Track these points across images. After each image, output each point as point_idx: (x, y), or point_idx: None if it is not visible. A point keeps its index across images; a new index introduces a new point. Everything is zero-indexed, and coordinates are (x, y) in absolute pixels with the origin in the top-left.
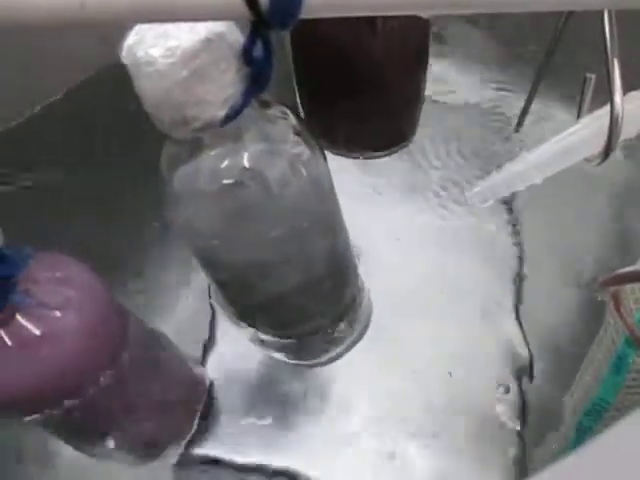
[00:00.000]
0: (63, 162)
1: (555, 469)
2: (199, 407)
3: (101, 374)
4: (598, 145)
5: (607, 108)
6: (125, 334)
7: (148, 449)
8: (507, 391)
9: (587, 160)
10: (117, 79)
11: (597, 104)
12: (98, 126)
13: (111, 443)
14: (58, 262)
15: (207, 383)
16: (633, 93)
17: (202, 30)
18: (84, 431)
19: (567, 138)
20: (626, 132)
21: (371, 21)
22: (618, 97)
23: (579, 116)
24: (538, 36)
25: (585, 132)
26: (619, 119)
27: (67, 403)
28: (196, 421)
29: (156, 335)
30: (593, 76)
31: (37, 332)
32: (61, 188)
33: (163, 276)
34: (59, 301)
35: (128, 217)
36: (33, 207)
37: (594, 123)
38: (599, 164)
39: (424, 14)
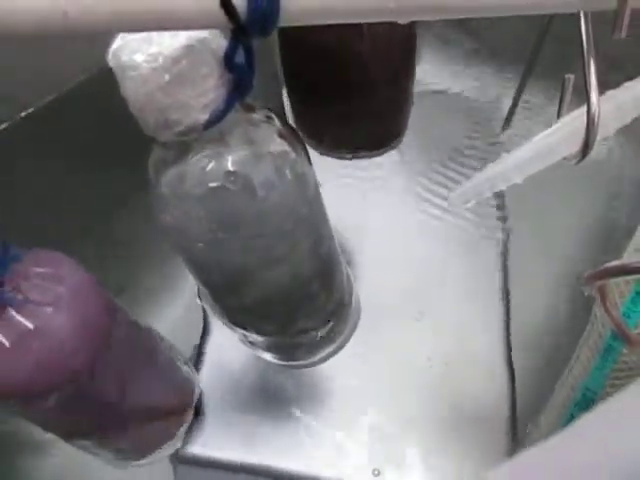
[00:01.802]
0: (59, 163)
1: (543, 446)
2: (186, 411)
3: (89, 368)
4: (577, 144)
5: (584, 108)
6: (113, 330)
7: (129, 448)
8: (497, 386)
9: (566, 159)
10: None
11: (581, 103)
12: (93, 127)
13: (93, 438)
14: (50, 258)
15: (196, 388)
16: (610, 92)
17: (184, 36)
18: (67, 424)
19: (546, 138)
20: (604, 131)
21: (357, 24)
22: (594, 97)
23: (559, 116)
24: (526, 36)
25: (564, 132)
26: (596, 118)
27: (54, 396)
28: (183, 426)
29: (147, 332)
30: (572, 76)
31: (27, 327)
32: (58, 188)
33: (158, 276)
34: (49, 298)
35: (123, 217)
36: (31, 206)
37: (572, 123)
38: (578, 163)
39: (401, 21)
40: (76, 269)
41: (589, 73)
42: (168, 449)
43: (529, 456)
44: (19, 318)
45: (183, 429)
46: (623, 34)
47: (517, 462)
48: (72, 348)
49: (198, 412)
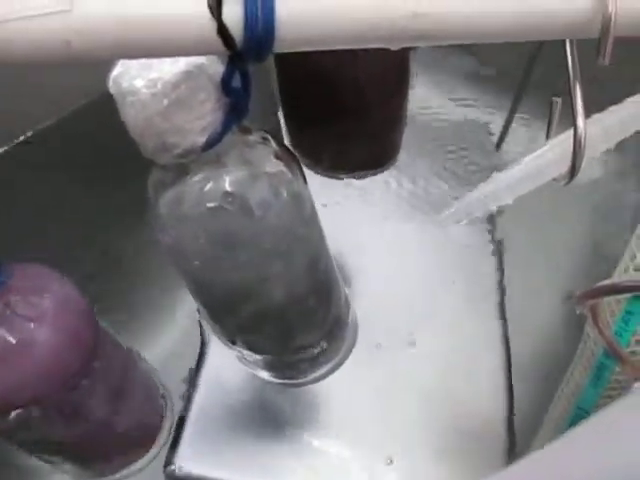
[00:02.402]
0: (58, 184)
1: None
2: (157, 432)
3: (71, 383)
4: (565, 165)
5: (572, 130)
6: (96, 346)
7: (99, 464)
8: (495, 405)
9: (555, 180)
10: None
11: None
12: (91, 151)
13: (65, 453)
14: (37, 273)
15: (169, 412)
16: (597, 115)
17: (183, 62)
18: (43, 438)
19: (536, 159)
20: (591, 153)
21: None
22: (581, 120)
23: (548, 137)
24: (519, 56)
25: (552, 154)
26: (582, 141)
27: (34, 410)
28: (153, 448)
29: (126, 351)
30: (559, 99)
31: (11, 341)
32: (56, 209)
33: (157, 293)
34: (35, 312)
35: (124, 238)
36: (28, 227)
37: (560, 145)
38: (567, 184)
39: (393, 47)
40: (63, 284)
41: (575, 98)
42: (135, 469)
43: (524, 465)
44: (4, 332)
45: (154, 450)
46: (606, 61)
47: (512, 470)
48: (55, 363)
49: (177, 437)
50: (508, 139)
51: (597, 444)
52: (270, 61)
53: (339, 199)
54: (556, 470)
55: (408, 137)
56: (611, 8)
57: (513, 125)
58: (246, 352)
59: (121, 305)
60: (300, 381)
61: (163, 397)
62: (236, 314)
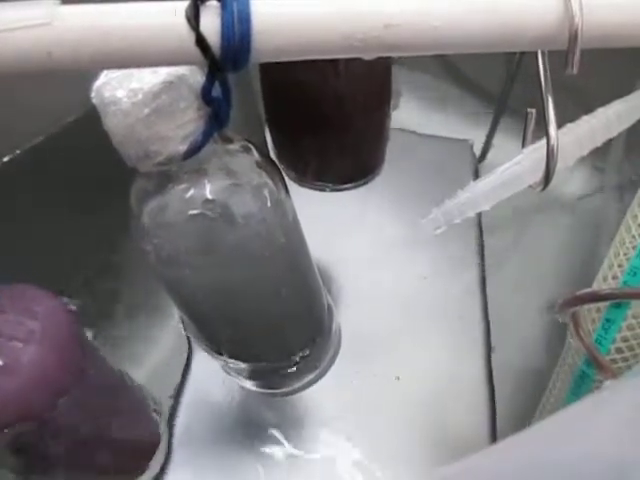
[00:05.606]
0: (45, 204)
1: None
2: (153, 449)
3: (58, 404)
4: (539, 173)
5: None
6: (84, 366)
7: None
8: (479, 417)
9: (531, 187)
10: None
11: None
12: (79, 167)
13: (60, 474)
14: (26, 293)
15: (162, 432)
16: (570, 125)
17: (164, 73)
18: (34, 459)
19: (511, 168)
20: (564, 160)
21: (334, 61)
22: (553, 130)
23: (523, 146)
24: (500, 71)
25: (527, 162)
26: (554, 151)
27: (19, 429)
28: (149, 463)
29: (115, 371)
30: (533, 110)
31: None
32: (43, 227)
33: (144, 306)
34: (22, 333)
35: (113, 250)
36: (17, 244)
37: (534, 153)
38: (542, 190)
39: (366, 57)
40: (52, 304)
41: (547, 108)
42: None
43: (478, 458)
44: None
45: (150, 471)
46: (575, 71)
47: (467, 463)
48: (42, 384)
49: (167, 457)
50: (491, 153)
51: (565, 435)
52: (256, 74)
53: (323, 211)
54: (523, 456)
55: (391, 150)
56: (577, 21)
57: (496, 139)
58: (230, 361)
59: (110, 320)
60: (284, 390)
61: (156, 411)
62: (218, 322)
